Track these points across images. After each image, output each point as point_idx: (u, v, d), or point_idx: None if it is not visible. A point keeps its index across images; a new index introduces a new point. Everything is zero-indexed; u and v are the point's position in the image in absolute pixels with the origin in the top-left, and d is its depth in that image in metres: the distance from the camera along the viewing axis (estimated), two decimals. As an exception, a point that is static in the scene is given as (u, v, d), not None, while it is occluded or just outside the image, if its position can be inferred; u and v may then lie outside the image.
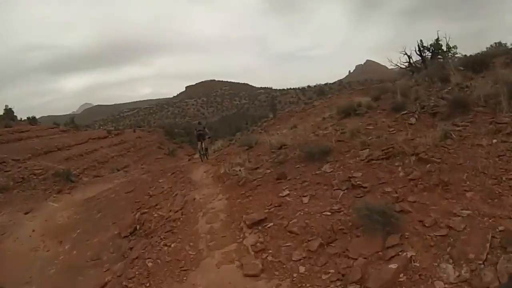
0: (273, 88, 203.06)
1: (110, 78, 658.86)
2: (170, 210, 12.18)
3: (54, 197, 24.54)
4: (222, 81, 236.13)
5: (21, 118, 47.19)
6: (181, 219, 11.12)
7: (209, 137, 20.56)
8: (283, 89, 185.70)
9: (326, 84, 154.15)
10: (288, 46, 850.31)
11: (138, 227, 12.44)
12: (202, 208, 11.27)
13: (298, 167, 11.03)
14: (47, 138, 39.78)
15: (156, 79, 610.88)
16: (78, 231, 14.86)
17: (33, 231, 16.61)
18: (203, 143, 19.28)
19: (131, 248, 11.31)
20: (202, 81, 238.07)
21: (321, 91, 50.70)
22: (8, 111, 46.18)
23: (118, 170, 36.56)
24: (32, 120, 46.44)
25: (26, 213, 20.92)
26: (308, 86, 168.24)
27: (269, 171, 11.56)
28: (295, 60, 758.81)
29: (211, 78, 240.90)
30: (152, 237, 11.01)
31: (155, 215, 12.58)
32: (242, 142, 16.89)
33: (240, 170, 12.20)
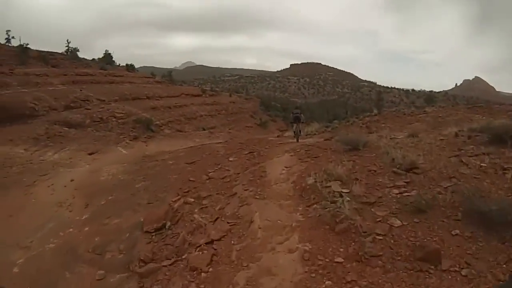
0: (377, 83, 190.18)
1: (217, 43, 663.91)
2: (209, 227, 7.68)
3: (126, 143, 22.82)
4: (327, 66, 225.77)
5: (119, 64, 46.84)
6: (206, 272, 6.35)
7: (303, 121, 20.13)
8: (387, 87, 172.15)
9: (431, 91, 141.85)
10: (398, 45, 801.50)
11: (168, 225, 8.47)
12: (253, 260, 6.30)
13: (456, 234, 5.68)
14: (140, 85, 38.17)
15: (263, 52, 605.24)
16: (110, 197, 11.54)
17: (72, 181, 13.96)
18: (298, 125, 19.00)
19: (140, 262, 7.42)
20: (308, 62, 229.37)
21: (430, 98, 43.42)
22: (107, 56, 45.82)
23: (204, 130, 34.01)
24: (129, 67, 45.71)
25: (91, 154, 19.32)
26: (413, 90, 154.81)
27: (398, 223, 6.17)
28: (403, 61, 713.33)
29: (317, 61, 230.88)
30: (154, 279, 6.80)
31: (194, 216, 8.40)
32: (344, 140, 11.32)
33: (342, 199, 6.94)
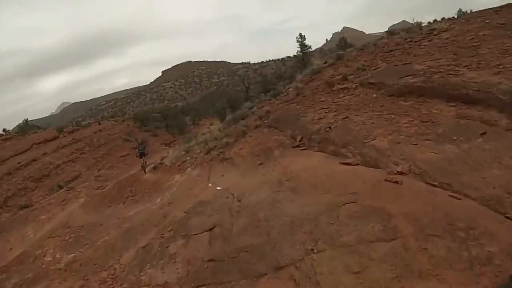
0: (251, 62, 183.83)
1: (86, 74, 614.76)
2: None
3: None
4: (198, 61, 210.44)
5: None
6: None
7: (147, 154, 20.92)
8: (262, 62, 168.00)
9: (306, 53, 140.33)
10: (263, 20, 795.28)
11: None
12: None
13: None
14: None
15: (132, 69, 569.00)
16: None
17: None
18: (143, 159, 19.89)
19: None
20: (178, 64, 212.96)
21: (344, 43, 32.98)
22: None
23: (61, 188, 23.50)
24: None
25: None
26: (288, 57, 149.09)
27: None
28: (272, 34, 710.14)
29: (187, 60, 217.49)
30: None
31: None
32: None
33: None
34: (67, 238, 14.05)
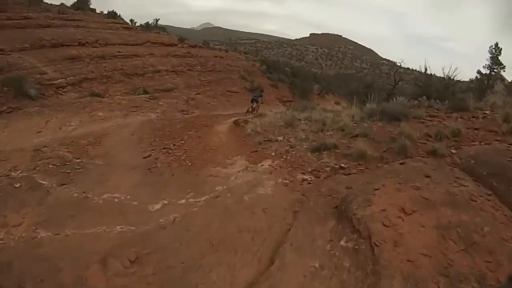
0: (396, 63, 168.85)
1: (238, 6, 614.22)
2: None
3: None
4: (347, 39, 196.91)
5: (101, 11, 33.24)
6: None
7: (262, 102, 18.94)
8: (408, 68, 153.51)
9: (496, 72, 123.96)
10: (422, 28, 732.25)
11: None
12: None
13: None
14: (91, 30, 23.67)
15: (285, 20, 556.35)
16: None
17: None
18: (254, 104, 18.04)
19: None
20: (328, 33, 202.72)
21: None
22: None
23: (145, 93, 19.28)
24: (110, 14, 31.81)
25: None
26: (435, 75, 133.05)
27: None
28: (424, 45, 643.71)
29: (338, 33, 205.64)
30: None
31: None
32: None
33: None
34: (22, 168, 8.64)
